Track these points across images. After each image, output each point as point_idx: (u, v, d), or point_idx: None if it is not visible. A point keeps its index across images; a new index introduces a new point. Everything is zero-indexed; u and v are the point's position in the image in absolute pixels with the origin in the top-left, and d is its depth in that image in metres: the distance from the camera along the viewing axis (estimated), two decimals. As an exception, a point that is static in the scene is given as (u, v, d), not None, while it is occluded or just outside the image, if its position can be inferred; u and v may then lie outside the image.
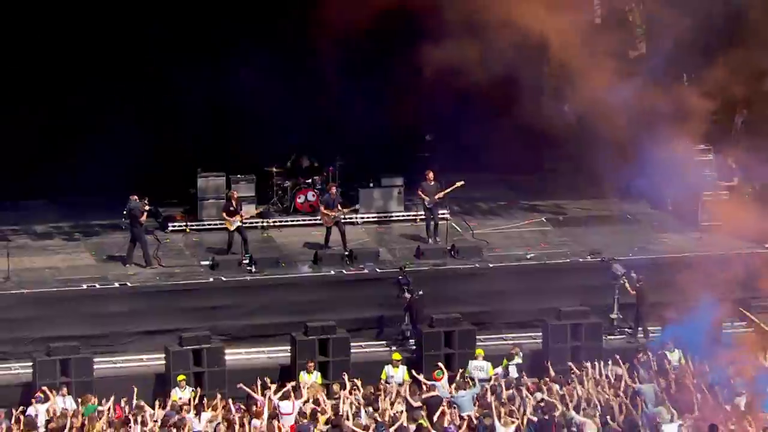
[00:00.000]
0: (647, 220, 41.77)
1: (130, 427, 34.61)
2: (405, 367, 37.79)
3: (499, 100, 41.09)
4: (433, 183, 41.77)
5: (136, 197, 40.11)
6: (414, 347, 38.82)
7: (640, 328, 39.63)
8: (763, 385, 36.03)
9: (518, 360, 37.81)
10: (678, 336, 38.36)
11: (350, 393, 35.99)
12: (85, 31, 42.57)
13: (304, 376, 37.26)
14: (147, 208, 40.32)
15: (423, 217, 42.63)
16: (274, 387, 35.88)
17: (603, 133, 38.82)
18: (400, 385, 36.88)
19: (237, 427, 34.24)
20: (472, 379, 36.94)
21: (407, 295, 38.92)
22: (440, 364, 37.22)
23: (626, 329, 39.67)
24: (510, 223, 43.07)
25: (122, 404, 35.79)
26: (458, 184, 41.71)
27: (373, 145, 43.66)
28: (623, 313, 39.79)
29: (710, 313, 38.59)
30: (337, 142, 43.75)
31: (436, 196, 41.72)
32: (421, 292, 38.95)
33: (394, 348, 39.00)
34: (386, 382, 37.25)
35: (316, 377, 37.27)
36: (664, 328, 39.05)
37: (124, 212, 40.22)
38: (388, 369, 37.70)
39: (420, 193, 41.93)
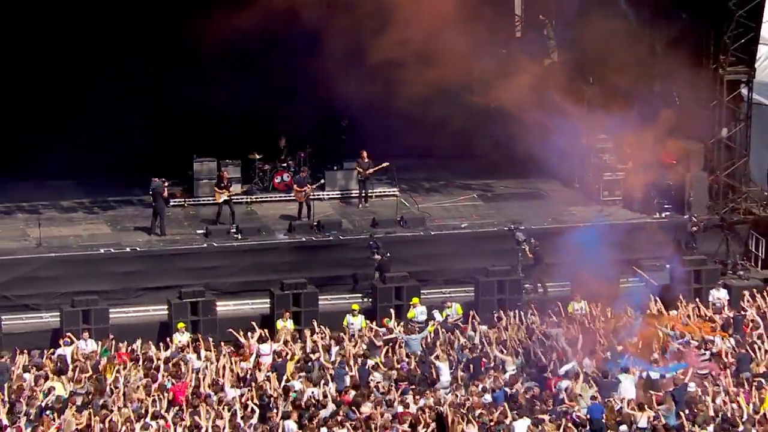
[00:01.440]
0: (558, 196, 41.82)
1: (140, 364, 34.97)
2: (362, 316, 37.91)
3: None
4: (366, 161, 42.31)
5: (157, 179, 40.28)
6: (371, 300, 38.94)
7: (539, 284, 39.75)
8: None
9: (454, 310, 38.12)
10: (584, 289, 38.66)
11: (320, 337, 36.46)
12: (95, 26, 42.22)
13: (279, 323, 37.52)
14: (167, 185, 40.53)
15: (388, 193, 42.94)
16: (258, 333, 36.28)
17: (523, 127, 38.99)
18: (360, 330, 37.20)
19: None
20: (419, 323, 37.32)
21: (377, 257, 39.16)
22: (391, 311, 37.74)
23: (527, 285, 39.68)
24: (448, 198, 43.15)
25: (135, 347, 36.13)
26: (384, 164, 42.26)
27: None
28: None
29: (609, 269, 39.00)
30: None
31: (368, 172, 42.25)
32: (388, 254, 39.19)
33: (359, 300, 39.05)
34: (348, 327, 37.54)
35: (289, 324, 37.52)
36: (572, 283, 39.26)
37: (150, 191, 40.41)
38: (349, 317, 37.81)
39: (357, 167, 42.48)
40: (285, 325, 37.43)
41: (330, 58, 40.34)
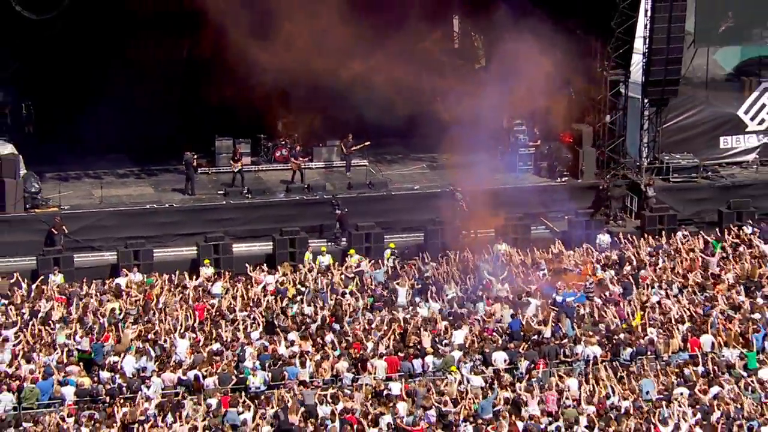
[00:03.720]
0: (486, 166, 41.48)
1: (176, 290, 34.93)
2: (330, 255, 37.56)
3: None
4: (351, 141, 41.78)
5: (189, 153, 39.94)
6: (345, 244, 38.60)
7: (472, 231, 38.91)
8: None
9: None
10: (505, 234, 38.69)
11: (309, 271, 36.38)
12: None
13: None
14: (195, 157, 40.13)
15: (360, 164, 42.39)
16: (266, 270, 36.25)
17: (460, 114, 38.72)
18: (327, 265, 36.91)
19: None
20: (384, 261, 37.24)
21: (338, 212, 38.87)
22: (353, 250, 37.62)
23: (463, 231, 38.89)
24: (405, 168, 42.74)
25: (172, 277, 35.96)
26: (366, 143, 41.83)
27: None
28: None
29: (524, 219, 39.14)
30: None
31: (352, 149, 41.83)
32: (346, 210, 38.82)
33: (329, 243, 38.69)
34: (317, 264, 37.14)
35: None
36: (496, 230, 39.02)
37: (183, 162, 40.00)
38: (320, 257, 37.55)
39: (341, 144, 42.01)
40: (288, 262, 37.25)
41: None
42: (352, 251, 37.64)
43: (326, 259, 37.32)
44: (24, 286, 35.03)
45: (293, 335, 32.31)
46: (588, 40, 40.43)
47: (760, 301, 34.34)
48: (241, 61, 38.18)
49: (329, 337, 32.22)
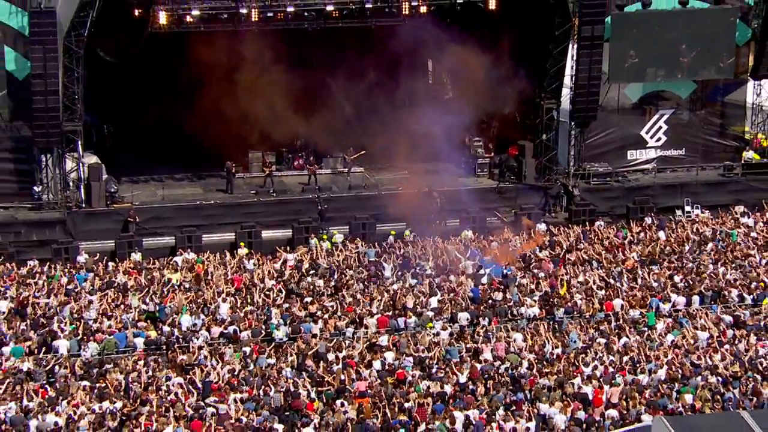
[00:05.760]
0: (452, 172, 41.43)
1: (216, 266, 34.89)
2: (342, 235, 37.58)
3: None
4: (351, 152, 41.33)
5: (229, 162, 39.47)
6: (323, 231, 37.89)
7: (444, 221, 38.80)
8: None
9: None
10: (469, 223, 38.59)
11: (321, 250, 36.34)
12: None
13: (312, 242, 37.08)
14: (233, 165, 39.74)
15: (357, 171, 41.62)
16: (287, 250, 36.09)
17: (434, 134, 38.56)
18: (336, 244, 36.81)
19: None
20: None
21: (320, 208, 38.41)
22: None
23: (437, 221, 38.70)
24: (391, 174, 42.09)
25: (216, 256, 35.98)
26: (362, 152, 41.20)
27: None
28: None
29: (481, 213, 39.02)
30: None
31: (352, 157, 41.38)
32: (326, 206, 38.35)
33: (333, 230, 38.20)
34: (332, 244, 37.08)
35: (314, 243, 37.05)
36: (461, 220, 38.82)
37: (225, 169, 39.56)
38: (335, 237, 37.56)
39: (344, 155, 41.54)
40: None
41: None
42: (335, 232, 37.45)
43: (339, 238, 37.15)
44: (107, 263, 35.11)
45: (307, 300, 32.36)
46: (530, 79, 40.44)
47: (656, 273, 34.51)
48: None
49: (334, 302, 32.26)
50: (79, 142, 36.91)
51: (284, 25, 38.66)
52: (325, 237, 37.31)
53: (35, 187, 36.89)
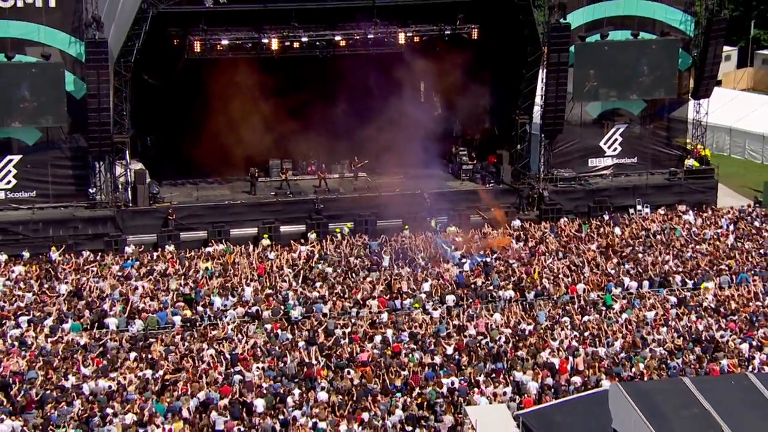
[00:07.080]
0: (441, 176, 41.21)
1: (243, 256, 34.73)
2: (347, 227, 37.10)
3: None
4: (357, 160, 40.95)
5: (253, 167, 39.22)
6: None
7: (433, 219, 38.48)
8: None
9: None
10: (454, 221, 38.24)
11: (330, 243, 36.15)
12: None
13: (310, 237, 37.01)
14: (257, 170, 39.38)
15: (361, 176, 40.75)
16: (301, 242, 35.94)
17: (425, 144, 38.32)
18: (344, 235, 36.49)
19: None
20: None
21: (317, 208, 38.06)
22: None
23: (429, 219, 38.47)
24: (389, 178, 41.33)
25: (242, 247, 35.75)
26: (366, 161, 40.85)
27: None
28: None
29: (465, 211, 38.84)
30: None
31: (358, 165, 41.07)
32: (322, 206, 37.98)
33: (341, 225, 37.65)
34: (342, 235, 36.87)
35: (314, 237, 36.91)
36: (448, 217, 38.46)
37: (249, 174, 39.24)
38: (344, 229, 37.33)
39: (350, 163, 41.10)
40: (312, 236, 36.82)
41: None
42: (337, 229, 37.03)
43: (346, 230, 36.88)
44: (151, 253, 35.06)
45: (318, 284, 32.28)
46: (506, 98, 40.25)
47: (612, 262, 34.48)
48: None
49: (341, 286, 32.19)
50: (127, 151, 37.08)
51: (299, 53, 38.82)
52: (338, 230, 37.11)
53: (90, 189, 36.96)
